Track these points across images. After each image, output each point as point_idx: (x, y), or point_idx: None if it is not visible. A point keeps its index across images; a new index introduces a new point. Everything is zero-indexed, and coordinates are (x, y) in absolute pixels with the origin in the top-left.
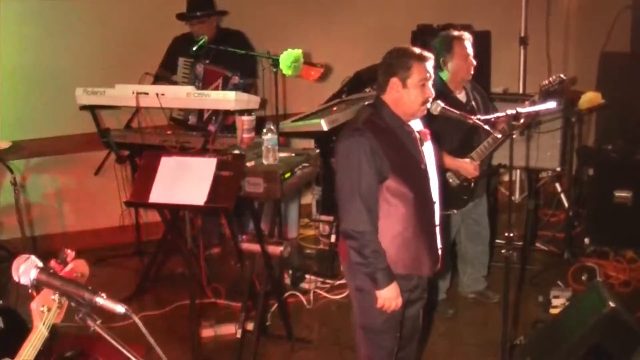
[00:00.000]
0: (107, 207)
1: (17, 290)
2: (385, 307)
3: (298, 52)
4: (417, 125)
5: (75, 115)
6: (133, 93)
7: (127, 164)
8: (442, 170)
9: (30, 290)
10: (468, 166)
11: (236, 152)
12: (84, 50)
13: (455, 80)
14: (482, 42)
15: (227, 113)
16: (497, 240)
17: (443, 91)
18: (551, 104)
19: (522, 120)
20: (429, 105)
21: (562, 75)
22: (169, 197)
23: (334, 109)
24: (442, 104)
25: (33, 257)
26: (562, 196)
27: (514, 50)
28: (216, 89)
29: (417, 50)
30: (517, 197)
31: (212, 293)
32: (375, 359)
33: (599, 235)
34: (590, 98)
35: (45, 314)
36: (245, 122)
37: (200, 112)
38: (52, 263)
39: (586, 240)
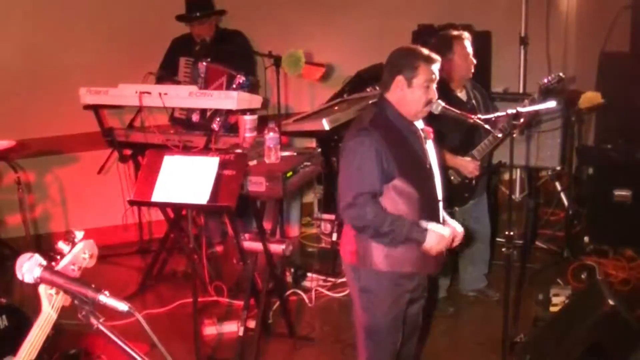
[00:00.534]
0: (110, 206)
1: (21, 289)
2: (443, 247)
3: (300, 52)
4: (419, 124)
5: (79, 114)
6: (136, 92)
7: (130, 163)
8: (444, 168)
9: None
10: (469, 164)
11: (238, 151)
12: (87, 50)
13: (456, 79)
14: (483, 42)
15: (230, 112)
16: (498, 239)
17: (444, 90)
18: (551, 103)
19: (522, 120)
20: (431, 107)
21: (560, 74)
22: (172, 196)
23: (336, 108)
24: (443, 104)
25: (37, 256)
26: (562, 195)
27: (514, 50)
28: (220, 87)
29: (425, 51)
30: (517, 195)
31: (215, 291)
32: (379, 359)
33: (598, 233)
34: (590, 97)
35: (53, 297)
36: (247, 121)
37: (203, 110)
38: (60, 244)
39: (586, 239)
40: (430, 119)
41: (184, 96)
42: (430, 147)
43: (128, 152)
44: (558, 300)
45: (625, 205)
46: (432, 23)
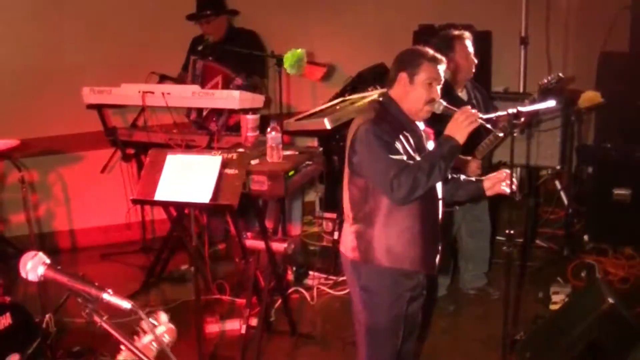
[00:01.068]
0: (113, 205)
1: (25, 287)
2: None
3: (302, 51)
4: (420, 125)
5: (82, 114)
6: (139, 92)
7: (133, 162)
8: None
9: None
10: (471, 164)
11: (241, 150)
12: (91, 50)
13: (456, 78)
14: (483, 41)
15: (232, 112)
16: (498, 237)
17: (445, 89)
18: (551, 103)
19: (522, 119)
20: (433, 107)
21: (560, 74)
22: (175, 195)
23: (337, 107)
24: (444, 103)
25: (41, 254)
26: (562, 194)
27: (515, 49)
28: (215, 86)
29: (431, 51)
30: (517, 194)
31: (217, 289)
32: (379, 358)
33: (598, 232)
34: (589, 97)
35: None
36: (249, 120)
37: (200, 108)
38: (143, 324)
39: (585, 238)
40: (431, 119)
41: (186, 96)
42: (430, 147)
43: (131, 151)
44: (558, 298)
45: (624, 204)
46: (433, 23)
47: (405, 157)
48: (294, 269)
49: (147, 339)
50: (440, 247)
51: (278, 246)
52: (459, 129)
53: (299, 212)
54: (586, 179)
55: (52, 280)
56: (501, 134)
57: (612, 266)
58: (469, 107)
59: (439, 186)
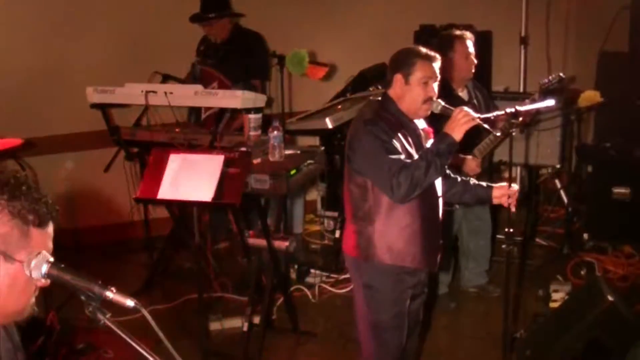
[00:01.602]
0: (116, 203)
1: None
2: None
3: (304, 51)
4: (421, 123)
5: (86, 113)
6: (142, 92)
7: (136, 161)
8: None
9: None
10: (470, 162)
11: (243, 149)
12: (94, 50)
13: (457, 78)
14: (484, 42)
15: (235, 112)
16: (498, 236)
17: (445, 89)
18: (550, 102)
19: (521, 118)
20: (431, 105)
21: (561, 74)
22: (177, 194)
23: (339, 107)
24: (443, 103)
25: (44, 252)
26: (562, 192)
27: (515, 49)
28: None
29: (423, 49)
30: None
31: (220, 287)
32: (384, 355)
33: (597, 230)
34: (589, 96)
35: None
36: (251, 120)
37: (197, 112)
38: None
39: (585, 236)
40: (431, 118)
41: (189, 95)
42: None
43: (134, 150)
44: (558, 296)
45: (624, 203)
46: (434, 23)
47: (403, 156)
48: (296, 267)
49: None
50: (441, 245)
51: (280, 244)
52: (456, 126)
53: (301, 210)
54: (586, 178)
55: (56, 278)
56: (499, 134)
57: (612, 264)
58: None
59: (438, 184)
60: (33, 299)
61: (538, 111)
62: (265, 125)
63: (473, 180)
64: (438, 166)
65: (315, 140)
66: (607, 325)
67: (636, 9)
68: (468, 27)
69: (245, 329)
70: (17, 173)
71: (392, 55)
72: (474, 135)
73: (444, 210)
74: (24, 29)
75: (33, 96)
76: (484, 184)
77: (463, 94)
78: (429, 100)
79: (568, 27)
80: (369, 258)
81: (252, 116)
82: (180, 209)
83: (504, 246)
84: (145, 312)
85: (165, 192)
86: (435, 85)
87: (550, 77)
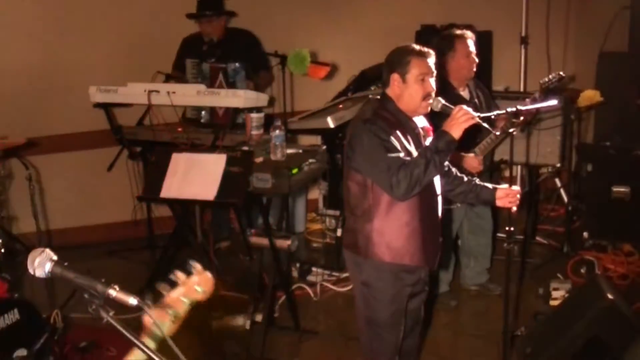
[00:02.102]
0: (119, 202)
1: (32, 283)
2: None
3: (305, 51)
4: (421, 121)
5: (89, 112)
6: (145, 91)
7: (139, 160)
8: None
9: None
10: (472, 161)
11: (245, 148)
12: (97, 50)
13: (458, 77)
14: (484, 41)
15: (237, 111)
16: (499, 234)
17: (446, 88)
18: (552, 101)
19: (522, 118)
20: (431, 101)
21: (561, 73)
22: (180, 192)
23: (340, 106)
24: (443, 101)
25: (48, 251)
26: (562, 191)
27: (515, 49)
28: (220, 85)
29: (416, 46)
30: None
31: (222, 285)
32: (381, 352)
33: (597, 229)
34: (589, 96)
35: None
36: (254, 119)
37: (212, 110)
38: (177, 273)
39: (585, 234)
40: (431, 116)
41: (192, 95)
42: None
43: (137, 149)
44: (558, 294)
45: (623, 201)
46: (435, 23)
47: (402, 154)
48: (298, 265)
49: (177, 292)
50: (440, 243)
51: (282, 243)
52: (455, 124)
53: (303, 209)
54: (586, 177)
55: (59, 276)
56: (498, 133)
57: (612, 263)
58: (464, 106)
59: (437, 182)
60: None
61: (538, 110)
62: (268, 124)
63: (478, 181)
64: (437, 164)
65: (316, 140)
66: (607, 323)
67: (636, 9)
68: (469, 27)
69: (247, 327)
70: None
71: (387, 55)
72: (475, 134)
73: (443, 208)
74: (27, 29)
75: (36, 96)
76: (489, 185)
77: (464, 93)
78: (428, 96)
79: (568, 27)
80: (369, 256)
81: (254, 115)
82: (183, 207)
83: (504, 245)
84: (147, 310)
85: (168, 191)
86: (432, 81)
87: (550, 76)
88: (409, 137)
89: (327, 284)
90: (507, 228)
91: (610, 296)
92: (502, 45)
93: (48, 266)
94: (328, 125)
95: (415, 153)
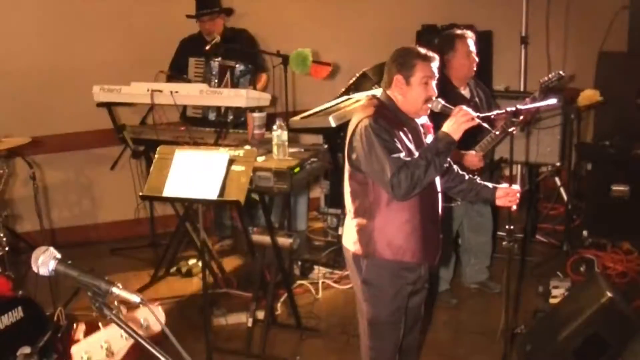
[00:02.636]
0: (122, 201)
1: (36, 281)
2: (470, 117)
3: (307, 51)
4: (420, 119)
5: (92, 111)
6: (148, 90)
7: (142, 159)
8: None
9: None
10: (472, 158)
11: (247, 147)
12: (101, 50)
13: (459, 77)
14: (485, 41)
15: (240, 110)
16: (499, 233)
17: (447, 87)
18: (552, 101)
19: (521, 117)
20: (431, 104)
21: (561, 72)
22: (183, 191)
23: (342, 105)
24: (443, 102)
25: (51, 249)
26: (562, 190)
27: (515, 49)
28: (227, 83)
29: (422, 50)
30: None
31: (224, 283)
32: (381, 350)
33: (596, 227)
34: (588, 95)
35: None
36: (256, 118)
37: (218, 107)
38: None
39: (584, 233)
40: (434, 115)
41: (194, 94)
42: (429, 142)
43: (140, 148)
44: (557, 292)
45: (622, 200)
46: (436, 23)
47: (403, 153)
48: (300, 263)
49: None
50: (440, 240)
51: (284, 241)
52: (455, 125)
53: (305, 208)
54: (585, 176)
55: (63, 274)
56: (498, 132)
57: (611, 261)
58: (465, 105)
59: (437, 180)
60: None
61: (538, 110)
62: (270, 123)
63: (479, 180)
64: (437, 165)
65: (318, 139)
66: (606, 321)
67: (635, 9)
68: (469, 27)
69: (249, 324)
70: None
71: (390, 55)
72: (475, 133)
73: (443, 206)
74: (31, 29)
75: (40, 95)
76: (489, 184)
77: (465, 92)
78: (429, 99)
79: (568, 27)
80: (369, 253)
81: (256, 115)
82: (186, 206)
83: (504, 243)
84: (150, 308)
85: (171, 189)
86: (434, 84)
87: (550, 76)
88: (410, 136)
89: (328, 282)
90: (507, 226)
91: (609, 294)
92: (502, 45)
93: (52, 264)
94: (330, 125)
95: (415, 151)
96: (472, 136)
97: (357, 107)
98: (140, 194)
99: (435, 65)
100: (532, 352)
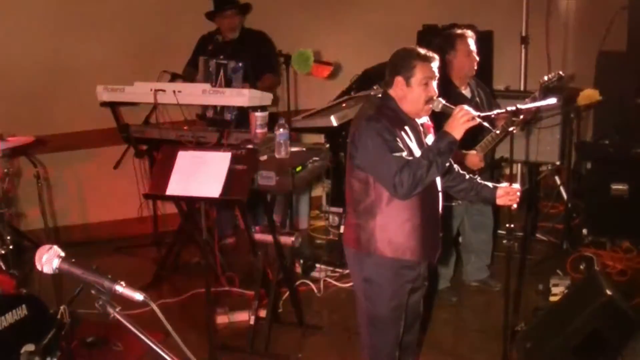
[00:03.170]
0: (126, 199)
1: (40, 279)
2: (470, 117)
3: (309, 51)
4: (422, 118)
5: (96, 111)
6: (151, 90)
7: (146, 158)
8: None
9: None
10: (473, 158)
11: (250, 146)
12: (105, 49)
13: (460, 76)
14: (485, 41)
15: (242, 109)
16: (499, 231)
17: (448, 87)
18: (551, 100)
19: (521, 116)
20: (431, 105)
21: (560, 72)
22: (186, 190)
23: (343, 105)
24: (443, 101)
25: (55, 247)
26: (561, 189)
27: (516, 49)
28: (220, 81)
29: (422, 50)
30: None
31: (227, 281)
32: (381, 347)
33: (596, 226)
34: (588, 95)
35: None
36: (258, 117)
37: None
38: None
39: (584, 231)
40: (433, 114)
41: (197, 94)
42: (430, 141)
43: (143, 147)
44: (557, 290)
45: (622, 199)
46: (436, 23)
47: (405, 153)
48: (302, 261)
49: None
50: (440, 238)
51: (286, 240)
52: (456, 125)
53: (306, 206)
54: (585, 175)
55: (67, 272)
56: (498, 131)
57: (610, 259)
58: (466, 105)
59: (438, 179)
60: None
61: (538, 109)
62: (272, 123)
63: (479, 179)
64: (439, 165)
65: (320, 138)
66: (606, 319)
67: (634, 10)
68: (470, 27)
69: (251, 322)
70: None
71: (391, 56)
72: (476, 132)
73: (443, 205)
74: (35, 28)
75: (44, 95)
76: (489, 184)
77: (466, 91)
78: (430, 100)
79: (567, 27)
80: (370, 252)
81: (258, 114)
82: (189, 205)
83: (504, 241)
84: (154, 306)
85: (174, 188)
86: (435, 84)
87: (550, 75)
88: (411, 135)
89: (330, 280)
90: (507, 225)
91: (608, 292)
92: (503, 45)
93: (56, 262)
94: (331, 124)
95: (417, 150)
96: (472, 136)
97: (359, 106)
98: (144, 192)
99: (435, 65)
100: (532, 350)
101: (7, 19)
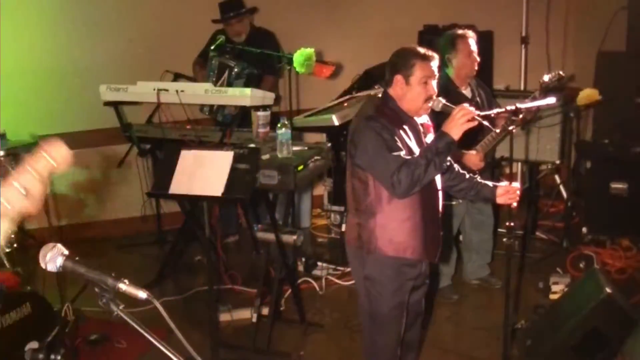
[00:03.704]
0: (129, 198)
1: (44, 277)
2: (470, 117)
3: (311, 50)
4: (421, 118)
5: (99, 110)
6: (154, 90)
7: (149, 157)
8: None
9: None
10: (473, 157)
11: (252, 145)
12: (108, 49)
13: (460, 76)
14: (485, 41)
15: (245, 108)
16: (499, 229)
17: (449, 87)
18: (551, 100)
19: (521, 116)
20: (431, 103)
21: (560, 72)
22: (188, 189)
23: (345, 104)
24: (443, 101)
25: (59, 245)
26: (561, 187)
27: (515, 49)
28: (223, 82)
29: (421, 49)
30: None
31: (229, 279)
32: (383, 345)
33: (596, 224)
34: (587, 94)
35: None
36: (260, 117)
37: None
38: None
39: (584, 230)
40: (435, 114)
41: (200, 93)
42: (429, 141)
43: (147, 146)
44: (557, 288)
45: (621, 198)
46: (437, 23)
47: (404, 152)
48: (304, 259)
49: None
50: (441, 237)
51: (288, 238)
52: (454, 126)
53: (308, 205)
54: (584, 174)
55: (71, 270)
56: (498, 131)
57: (610, 257)
58: (467, 104)
59: (438, 178)
60: None
61: (539, 108)
62: (274, 122)
63: (479, 179)
64: (437, 164)
65: (322, 137)
66: (605, 316)
67: (633, 10)
68: (470, 27)
69: (254, 320)
70: None
71: (391, 55)
72: (476, 132)
73: (444, 204)
74: (38, 29)
75: (48, 94)
76: (489, 183)
77: (466, 91)
78: (429, 99)
79: (567, 26)
80: (372, 250)
81: (260, 114)
82: (191, 203)
83: (505, 240)
84: (157, 304)
85: (177, 187)
86: (434, 83)
87: (550, 75)
88: (410, 134)
89: (332, 278)
90: (507, 223)
91: (608, 290)
92: (503, 45)
93: (59, 261)
94: (333, 123)
95: (416, 149)
96: (472, 135)
97: (359, 105)
98: (147, 191)
99: (434, 64)
100: (532, 347)
101: (12, 19)
